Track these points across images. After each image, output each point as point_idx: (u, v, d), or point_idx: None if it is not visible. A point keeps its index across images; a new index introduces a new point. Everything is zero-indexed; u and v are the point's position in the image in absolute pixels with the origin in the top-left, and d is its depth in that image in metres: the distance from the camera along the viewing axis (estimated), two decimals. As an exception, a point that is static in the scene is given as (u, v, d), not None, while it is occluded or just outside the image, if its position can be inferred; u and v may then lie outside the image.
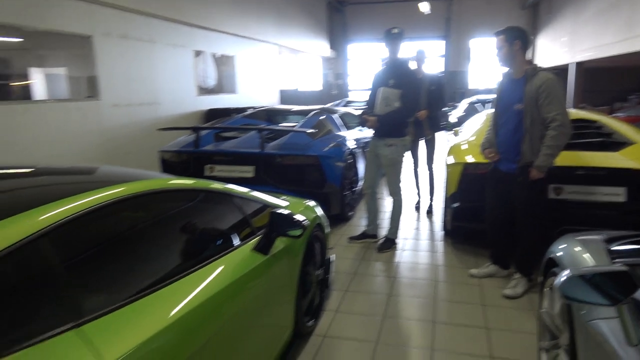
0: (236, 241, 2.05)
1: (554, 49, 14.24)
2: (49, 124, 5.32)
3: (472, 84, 18.32)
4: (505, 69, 3.21)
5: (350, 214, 5.21)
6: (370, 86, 4.20)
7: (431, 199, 5.43)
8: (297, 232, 2.11)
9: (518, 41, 3.04)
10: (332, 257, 3.40)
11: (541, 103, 2.93)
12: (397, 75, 3.96)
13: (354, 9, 18.57)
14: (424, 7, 15.35)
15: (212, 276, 1.76)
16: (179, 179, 2.05)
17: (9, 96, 5.21)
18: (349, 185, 5.10)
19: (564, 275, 1.49)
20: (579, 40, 11.47)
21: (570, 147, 3.70)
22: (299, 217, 2.17)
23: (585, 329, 1.64)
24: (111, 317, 1.30)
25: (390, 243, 4.25)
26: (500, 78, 3.29)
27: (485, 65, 18.18)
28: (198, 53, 8.56)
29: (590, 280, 1.45)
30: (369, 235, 4.41)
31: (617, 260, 1.79)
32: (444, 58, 18.43)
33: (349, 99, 14.13)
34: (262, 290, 2.10)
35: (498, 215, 3.36)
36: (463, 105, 11.42)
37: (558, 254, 2.12)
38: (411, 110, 4.10)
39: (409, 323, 2.95)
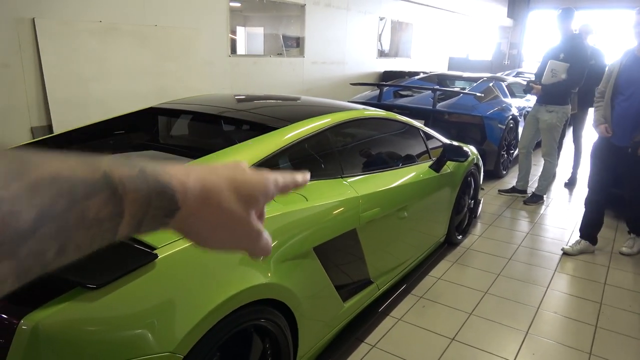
0: (417, 160, 3.07)
1: None
2: (268, 74, 6.94)
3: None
4: (631, 46, 3.35)
5: (503, 172, 5.86)
6: (541, 58, 4.70)
7: (574, 172, 5.64)
8: (462, 159, 3.04)
9: None
10: (482, 199, 4.23)
11: None
12: (568, 49, 4.40)
13: (541, -26, 17.51)
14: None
15: (402, 175, 2.80)
16: (376, 110, 3.06)
17: (244, 50, 6.92)
18: (507, 147, 5.73)
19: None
20: None
21: None
22: (465, 149, 3.09)
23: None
24: (361, 179, 2.42)
25: (537, 198, 4.86)
26: (620, 55, 3.44)
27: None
28: (381, 19, 9.59)
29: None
30: (518, 190, 5.06)
31: None
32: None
33: (520, 69, 13.86)
34: (431, 197, 3.08)
35: (600, 191, 3.56)
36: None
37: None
38: (576, 83, 4.54)
39: (539, 253, 3.69)
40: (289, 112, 2.72)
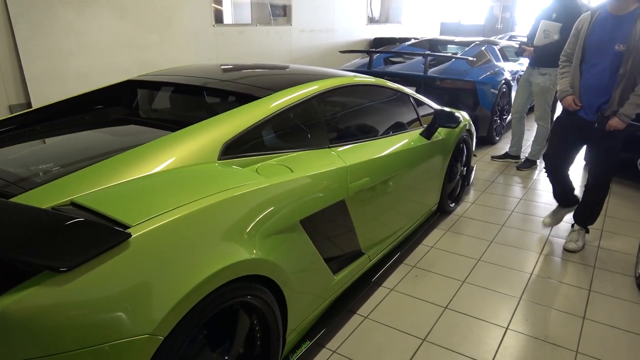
0: (407, 127, 2.99)
1: None
2: (255, 43, 6.74)
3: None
4: (601, 1, 2.82)
5: (496, 138, 5.79)
6: (534, 20, 4.55)
7: None
8: (453, 125, 2.96)
9: None
10: (475, 165, 4.17)
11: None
12: (560, 9, 4.22)
13: None
14: None
15: (392, 143, 2.72)
16: (365, 77, 2.94)
17: (231, 20, 6.70)
18: (500, 113, 5.64)
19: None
20: None
21: None
22: (457, 115, 3.01)
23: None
24: (349, 148, 2.34)
25: (530, 163, 4.82)
26: (590, 11, 2.86)
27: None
28: (370, -16, 9.32)
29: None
30: (511, 155, 5.01)
31: None
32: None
33: (513, 32, 13.63)
34: (422, 165, 3.01)
35: (559, 165, 3.12)
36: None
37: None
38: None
39: (532, 219, 3.66)
40: (274, 80, 2.61)
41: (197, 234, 1.42)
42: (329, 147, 2.25)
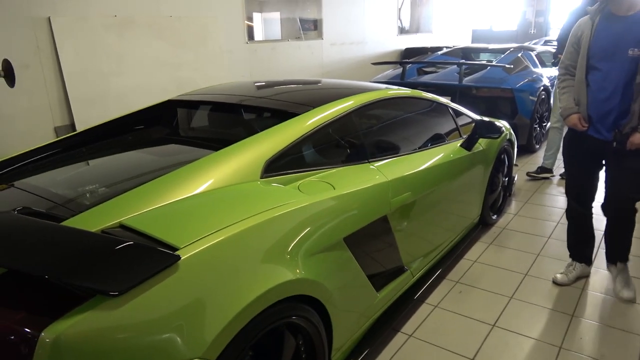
0: (447, 138, 2.92)
1: None
2: (287, 58, 6.81)
3: None
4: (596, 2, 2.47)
5: (537, 147, 5.61)
6: (565, 23, 4.28)
7: None
8: (495, 135, 2.87)
9: None
10: (516, 176, 4.04)
11: None
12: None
13: (566, -64, 16.67)
14: None
15: (432, 156, 2.66)
16: (400, 89, 2.89)
17: (262, 36, 6.80)
18: (539, 120, 5.47)
19: None
20: None
21: None
22: (497, 124, 2.93)
23: None
24: (389, 162, 2.30)
25: (541, 170, 4.64)
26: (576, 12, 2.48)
27: None
28: (400, -5, 9.30)
29: None
30: (547, 169, 4.69)
31: None
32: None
33: (548, 37, 13.31)
34: (463, 177, 2.94)
35: (582, 202, 2.71)
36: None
37: None
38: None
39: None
40: (311, 96, 2.61)
41: (243, 255, 1.41)
42: (369, 162, 2.21)
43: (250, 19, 6.61)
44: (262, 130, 1.97)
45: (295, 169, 1.91)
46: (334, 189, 1.87)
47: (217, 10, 5.72)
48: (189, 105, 2.70)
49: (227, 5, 5.84)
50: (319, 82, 3.14)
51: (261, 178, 1.76)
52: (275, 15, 7.38)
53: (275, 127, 1.99)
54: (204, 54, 5.61)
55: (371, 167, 2.20)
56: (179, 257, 1.24)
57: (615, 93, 2.35)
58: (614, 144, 2.40)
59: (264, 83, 2.94)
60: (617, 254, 2.65)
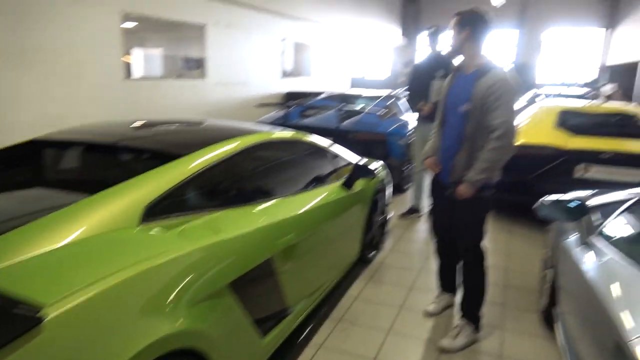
0: (328, 180, 3.08)
1: (631, 43, 14.06)
2: (169, 97, 6.65)
3: (541, 77, 18.26)
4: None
5: (406, 186, 6.11)
6: (410, 77, 4.73)
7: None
8: (372, 176, 3.10)
9: (468, 28, 2.50)
10: (390, 213, 4.36)
11: (487, 107, 2.43)
12: (445, 67, 4.28)
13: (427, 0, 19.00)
14: (496, 1, 15.55)
15: (314, 197, 2.77)
16: (284, 131, 2.99)
17: (142, 73, 6.57)
18: (408, 161, 6.00)
19: (543, 200, 2.37)
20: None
21: (604, 134, 4.47)
22: (373, 166, 3.16)
23: (561, 246, 2.52)
24: (274, 204, 2.34)
25: (412, 211, 4.99)
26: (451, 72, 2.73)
27: (557, 57, 18.15)
28: (283, 39, 9.69)
29: (559, 204, 2.33)
30: (416, 209, 5.05)
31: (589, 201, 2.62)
32: (517, 47, 18.39)
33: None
34: (344, 217, 3.09)
35: (442, 236, 2.90)
36: (527, 96, 11.75)
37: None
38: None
39: (447, 262, 3.86)
40: (194, 137, 2.59)
41: (118, 311, 1.33)
42: (253, 204, 2.24)
43: (129, 54, 6.37)
44: (141, 173, 1.90)
45: (178, 213, 1.86)
46: (218, 233, 1.85)
47: (93, 43, 5.42)
48: (58, 145, 2.49)
49: (104, 38, 5.56)
50: (202, 122, 3.12)
51: (140, 224, 1.69)
52: (158, 52, 7.22)
53: (156, 169, 1.93)
54: (77, 90, 5.24)
55: (256, 209, 2.22)
56: (40, 320, 1.12)
57: (452, 143, 2.59)
58: (447, 190, 2.61)
59: (144, 122, 2.83)
60: (465, 306, 2.73)
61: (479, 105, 2.44)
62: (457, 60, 2.73)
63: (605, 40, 17.13)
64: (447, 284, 3.03)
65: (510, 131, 2.41)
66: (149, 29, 7.28)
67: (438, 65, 4.48)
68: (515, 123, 2.44)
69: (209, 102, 7.46)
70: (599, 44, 17.40)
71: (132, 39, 6.52)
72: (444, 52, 4.52)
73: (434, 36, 4.57)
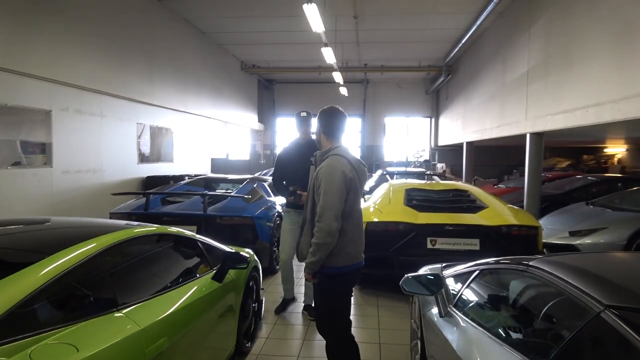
0: (198, 273, 2.94)
1: (451, 129, 16.66)
2: (4, 188, 5.86)
3: (387, 157, 20.46)
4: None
5: (277, 267, 6.11)
6: (279, 162, 4.47)
7: None
8: (244, 265, 3.05)
9: (319, 125, 2.83)
10: (263, 298, 4.29)
11: (316, 192, 2.58)
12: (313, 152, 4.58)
13: (281, 87, 20.39)
14: (343, 91, 17.36)
15: (184, 293, 2.61)
16: (146, 226, 2.83)
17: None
18: (276, 243, 6.06)
19: (406, 276, 2.56)
20: (468, 123, 13.77)
21: (444, 209, 5.08)
22: (244, 255, 3.12)
23: (425, 317, 2.72)
24: (141, 307, 2.14)
25: (286, 303, 4.68)
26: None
27: (396, 140, 20.77)
28: (140, 125, 9.40)
29: (419, 280, 2.54)
30: (289, 300, 4.74)
31: (445, 272, 2.91)
32: (360, 134, 20.52)
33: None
34: (217, 310, 2.96)
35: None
36: (375, 175, 12.95)
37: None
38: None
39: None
40: (42, 241, 2.31)
41: None
42: (118, 310, 2.03)
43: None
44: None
45: (26, 333, 1.60)
46: (77, 350, 1.63)
47: None
48: None
49: None
50: (47, 221, 2.80)
51: (-24, 353, 1.41)
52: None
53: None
54: None
55: (121, 315, 2.02)
56: None
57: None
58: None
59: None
60: None
61: (312, 190, 2.64)
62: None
63: (432, 127, 20.16)
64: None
65: (327, 217, 2.45)
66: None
67: (311, 150, 3.94)
68: (333, 207, 2.48)
69: (56, 191, 6.73)
70: (428, 130, 20.45)
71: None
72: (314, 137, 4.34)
73: (305, 121, 4.38)
